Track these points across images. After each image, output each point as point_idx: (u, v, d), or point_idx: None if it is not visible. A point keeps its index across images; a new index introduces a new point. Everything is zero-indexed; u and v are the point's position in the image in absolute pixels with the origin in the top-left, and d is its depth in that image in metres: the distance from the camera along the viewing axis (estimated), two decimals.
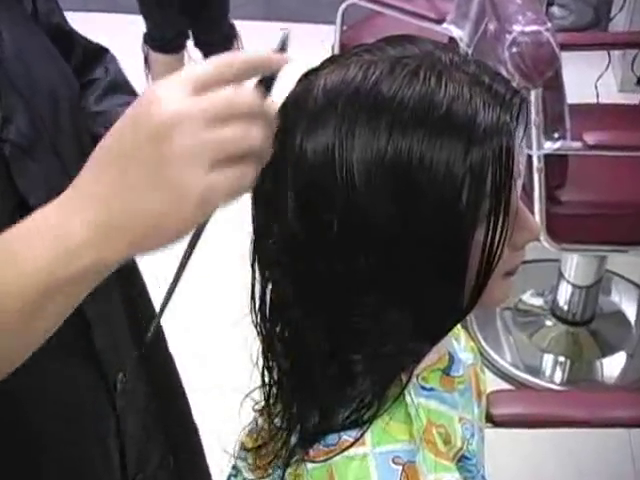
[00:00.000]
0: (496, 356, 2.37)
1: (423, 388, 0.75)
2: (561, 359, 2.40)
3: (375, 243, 0.64)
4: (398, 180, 0.62)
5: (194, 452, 1.14)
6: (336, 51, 2.73)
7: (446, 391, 0.77)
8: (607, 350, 2.40)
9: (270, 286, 0.71)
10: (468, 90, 0.62)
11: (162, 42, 2.98)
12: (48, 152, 0.76)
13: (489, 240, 0.64)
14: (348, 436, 0.70)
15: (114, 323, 0.87)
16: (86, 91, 0.93)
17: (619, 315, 2.50)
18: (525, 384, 2.30)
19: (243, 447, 0.79)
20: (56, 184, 0.68)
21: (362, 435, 0.70)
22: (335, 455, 0.69)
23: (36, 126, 0.75)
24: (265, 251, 0.70)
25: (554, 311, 2.44)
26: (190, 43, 3.07)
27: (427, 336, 0.70)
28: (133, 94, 0.96)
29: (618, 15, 3.47)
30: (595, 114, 2.28)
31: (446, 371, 0.78)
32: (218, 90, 0.54)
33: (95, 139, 0.83)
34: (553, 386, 2.32)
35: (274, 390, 0.74)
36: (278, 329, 0.71)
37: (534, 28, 1.71)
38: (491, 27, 1.96)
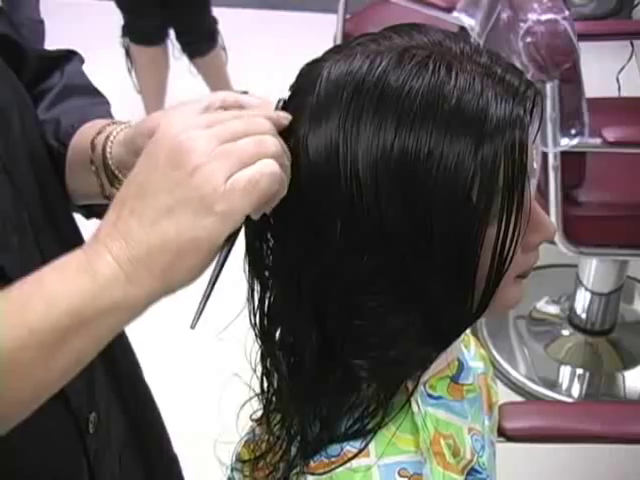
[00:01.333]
0: (509, 368, 2.37)
1: (430, 396, 0.76)
2: (579, 371, 2.41)
3: (381, 242, 0.65)
4: (405, 176, 0.63)
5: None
6: (338, 41, 2.74)
7: (454, 400, 0.78)
8: (629, 362, 2.40)
9: (269, 291, 0.72)
10: (480, 82, 0.63)
11: (141, 34, 3.01)
12: (2, 179, 0.75)
13: (501, 239, 0.65)
14: (351, 447, 0.71)
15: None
16: (40, 102, 0.92)
17: None
18: (540, 398, 2.30)
19: (239, 458, 0.80)
20: (7, 208, 0.73)
21: (366, 445, 0.71)
22: (337, 467, 0.70)
23: None
24: (262, 254, 0.71)
25: (571, 320, 2.45)
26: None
27: (435, 341, 0.71)
28: (92, 94, 0.95)
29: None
30: (616, 109, 2.29)
31: (454, 379, 0.79)
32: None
33: (50, 150, 0.86)
34: (570, 400, 2.32)
35: (273, 398, 0.75)
36: (277, 334, 0.73)
37: (550, 16, 1.72)
38: (504, 16, 1.97)
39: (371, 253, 0.65)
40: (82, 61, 1.00)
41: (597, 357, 2.44)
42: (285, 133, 0.66)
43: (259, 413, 0.78)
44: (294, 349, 0.71)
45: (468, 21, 2.39)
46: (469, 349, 0.87)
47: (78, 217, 0.93)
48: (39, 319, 0.59)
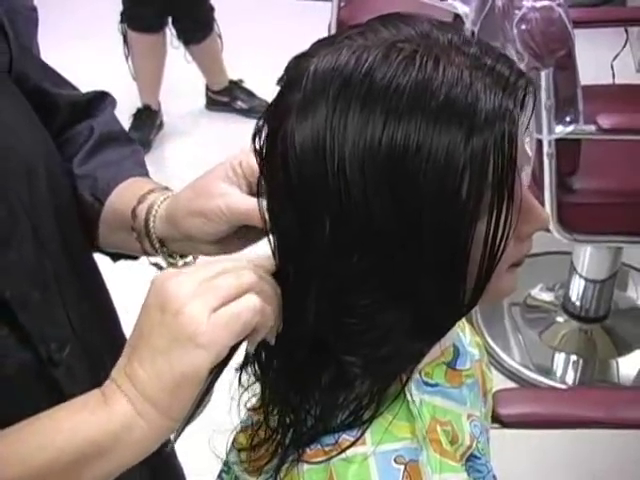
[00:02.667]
0: (504, 355, 2.38)
1: (427, 384, 0.76)
2: (573, 358, 2.42)
3: (371, 239, 0.64)
4: (394, 171, 0.62)
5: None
6: (333, 29, 2.74)
7: (452, 386, 0.78)
8: (623, 349, 2.41)
9: None
10: (468, 74, 0.62)
11: (140, 22, 3.00)
12: (27, 234, 0.80)
13: (492, 231, 0.65)
14: (347, 435, 0.71)
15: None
16: (68, 148, 0.95)
17: (636, 311, 2.52)
18: (535, 385, 2.32)
19: (237, 444, 0.80)
20: (36, 264, 0.79)
21: (361, 435, 0.71)
22: (334, 455, 0.70)
23: (13, 211, 0.78)
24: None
25: (565, 307, 2.45)
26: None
27: (427, 336, 0.71)
28: (126, 144, 0.99)
29: None
30: (611, 96, 2.29)
31: (451, 364, 0.79)
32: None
33: (81, 201, 0.91)
34: (565, 387, 2.33)
35: (267, 391, 0.75)
36: None
37: (545, 3, 1.72)
38: (499, 3, 1.97)
39: (361, 251, 0.65)
40: (114, 103, 1.02)
41: (591, 344, 2.45)
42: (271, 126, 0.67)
43: (253, 401, 0.78)
44: (286, 345, 0.71)
45: (463, 8, 2.38)
46: (464, 334, 0.87)
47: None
48: (64, 444, 0.66)
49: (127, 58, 3.09)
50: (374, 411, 0.71)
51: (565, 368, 2.43)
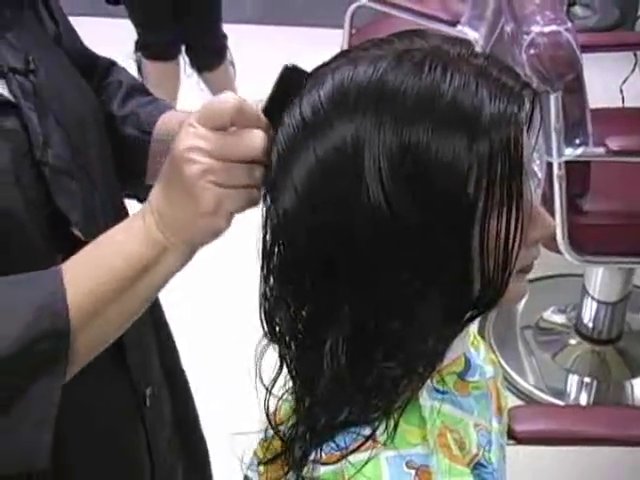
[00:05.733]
0: (518, 377, 2.39)
1: (437, 391, 0.78)
2: (587, 380, 2.43)
3: (387, 238, 0.67)
4: (407, 170, 0.66)
5: (203, 463, 1.23)
6: None
7: (461, 396, 0.80)
8: (636, 370, 2.42)
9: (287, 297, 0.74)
10: (474, 81, 0.66)
11: (155, 49, 3.03)
12: (82, 171, 0.89)
13: (503, 233, 0.68)
14: (360, 439, 0.73)
15: (145, 345, 1.02)
16: (102, 96, 1.05)
17: None
18: (547, 404, 2.31)
19: (256, 457, 0.82)
20: (90, 202, 0.90)
21: (373, 433, 0.73)
22: (347, 455, 0.72)
23: (70, 147, 0.89)
24: (281, 264, 0.73)
25: (578, 329, 2.46)
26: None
27: (454, 329, 0.74)
28: (147, 93, 1.09)
29: None
30: (619, 119, 2.31)
31: (461, 375, 0.82)
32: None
33: (126, 139, 1.03)
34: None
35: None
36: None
37: (553, 28, 1.74)
38: (508, 28, 2.00)
39: (379, 253, 0.68)
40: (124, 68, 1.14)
41: (604, 366, 2.45)
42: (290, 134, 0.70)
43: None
44: (329, 358, 0.72)
45: (472, 34, 2.42)
46: (479, 352, 0.89)
47: None
48: (119, 267, 0.76)
49: None
50: (399, 414, 0.73)
51: (579, 390, 2.43)
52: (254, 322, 0.76)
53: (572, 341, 2.48)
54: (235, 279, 2.23)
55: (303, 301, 0.73)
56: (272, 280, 0.74)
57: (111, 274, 0.76)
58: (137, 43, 3.06)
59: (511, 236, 0.69)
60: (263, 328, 0.76)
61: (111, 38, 3.26)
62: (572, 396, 2.40)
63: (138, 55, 3.07)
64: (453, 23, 2.46)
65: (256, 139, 0.72)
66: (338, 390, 0.72)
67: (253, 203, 0.75)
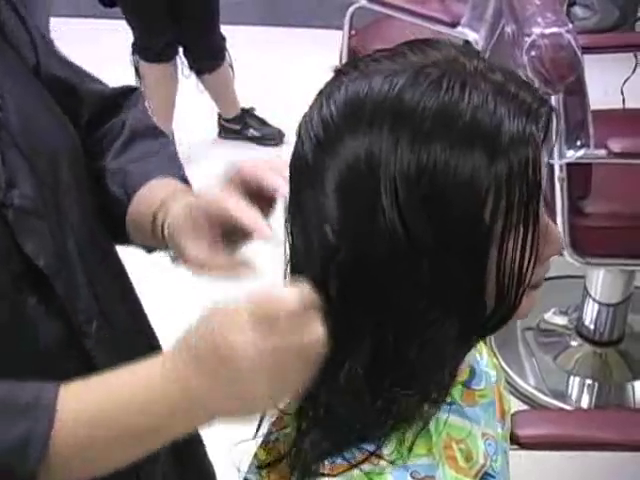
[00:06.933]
0: (519, 379, 2.38)
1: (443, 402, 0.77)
2: (588, 382, 2.42)
3: (403, 260, 0.66)
4: (423, 190, 0.64)
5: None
6: (344, 57, 2.77)
7: (467, 405, 0.80)
8: (638, 372, 2.41)
9: None
10: (493, 99, 0.65)
11: (152, 51, 3.03)
12: (52, 211, 0.84)
13: (519, 253, 0.68)
14: (366, 449, 0.73)
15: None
16: (103, 143, 0.99)
17: None
18: (550, 409, 2.31)
19: (257, 460, 0.81)
20: (62, 242, 0.83)
21: (378, 448, 0.73)
22: (352, 468, 0.72)
23: (40, 186, 0.83)
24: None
25: (579, 330, 2.46)
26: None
27: (467, 348, 0.75)
28: (156, 136, 1.02)
29: None
30: (620, 120, 2.30)
31: (467, 384, 0.81)
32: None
33: (110, 194, 0.96)
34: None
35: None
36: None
37: (554, 30, 1.74)
38: (508, 30, 2.00)
39: (401, 272, 0.67)
40: (143, 97, 1.07)
41: (606, 367, 2.44)
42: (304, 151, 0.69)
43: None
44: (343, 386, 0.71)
45: (472, 36, 2.42)
46: (482, 356, 0.88)
47: None
48: (129, 421, 0.71)
49: (140, 88, 3.12)
50: (422, 427, 0.73)
51: (580, 392, 2.43)
52: None
53: (573, 343, 2.47)
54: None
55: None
56: None
57: (116, 425, 0.72)
58: (134, 45, 3.06)
59: (526, 255, 0.68)
60: None
61: (111, 40, 3.28)
62: (574, 398, 2.40)
63: (135, 57, 3.07)
64: (453, 24, 2.45)
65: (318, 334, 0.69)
66: (352, 411, 0.72)
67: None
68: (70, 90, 0.98)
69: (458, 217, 0.65)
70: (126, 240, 0.98)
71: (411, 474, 0.73)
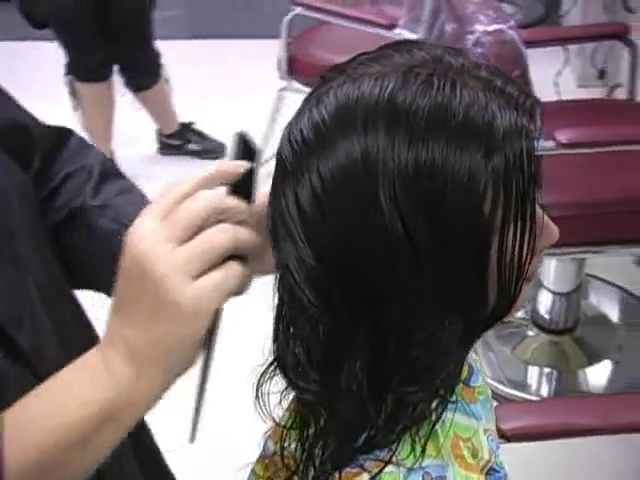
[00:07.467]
0: None
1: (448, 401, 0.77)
2: (547, 371, 2.46)
3: (404, 261, 0.66)
4: (422, 191, 0.64)
5: None
6: (283, 64, 2.76)
7: (469, 402, 0.80)
8: (593, 358, 2.46)
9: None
10: (483, 95, 0.65)
11: (86, 71, 2.99)
12: (6, 255, 0.79)
13: (517, 246, 0.68)
14: (375, 456, 0.72)
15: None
16: (71, 183, 0.93)
17: (601, 319, 2.57)
18: (510, 399, 2.34)
19: (255, 476, 0.80)
20: (19, 288, 0.79)
21: (393, 455, 0.72)
22: (363, 474, 0.71)
23: None
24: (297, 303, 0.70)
25: (535, 320, 2.49)
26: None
27: (471, 344, 0.74)
28: (122, 176, 0.98)
29: (572, 9, 3.58)
30: (560, 112, 2.34)
31: (466, 381, 0.81)
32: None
33: (99, 230, 0.91)
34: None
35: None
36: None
37: (497, 27, 1.77)
38: (448, 28, 2.02)
39: (402, 274, 0.66)
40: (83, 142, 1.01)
41: (563, 355, 2.48)
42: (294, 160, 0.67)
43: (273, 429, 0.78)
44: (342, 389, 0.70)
45: (411, 36, 2.44)
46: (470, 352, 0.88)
47: None
48: (74, 418, 0.66)
49: (75, 110, 3.07)
50: (432, 427, 0.72)
51: (539, 381, 2.46)
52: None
53: (530, 333, 2.51)
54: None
55: (319, 332, 0.69)
56: (287, 313, 0.72)
57: (64, 428, 0.66)
58: (67, 66, 3.01)
59: (525, 247, 0.68)
60: (280, 368, 0.73)
61: (50, 62, 3.21)
62: (533, 387, 2.43)
63: (69, 78, 3.03)
64: (390, 27, 2.47)
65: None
66: (358, 416, 0.71)
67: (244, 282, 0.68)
68: (19, 130, 0.92)
69: (458, 214, 0.65)
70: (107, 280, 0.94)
71: (422, 476, 0.72)
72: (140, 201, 0.93)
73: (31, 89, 3.73)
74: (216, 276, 0.65)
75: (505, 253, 0.68)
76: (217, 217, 0.66)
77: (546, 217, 0.73)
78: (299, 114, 0.69)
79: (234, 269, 0.66)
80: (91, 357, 0.68)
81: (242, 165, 0.69)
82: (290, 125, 0.69)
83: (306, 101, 0.70)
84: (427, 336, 0.68)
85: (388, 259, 0.66)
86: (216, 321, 0.67)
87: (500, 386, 2.37)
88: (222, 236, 0.65)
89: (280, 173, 0.69)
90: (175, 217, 0.65)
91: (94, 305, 1.00)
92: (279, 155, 0.69)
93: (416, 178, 0.64)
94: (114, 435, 0.68)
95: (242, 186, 0.69)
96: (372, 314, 0.68)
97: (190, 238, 0.65)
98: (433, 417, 0.73)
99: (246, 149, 0.70)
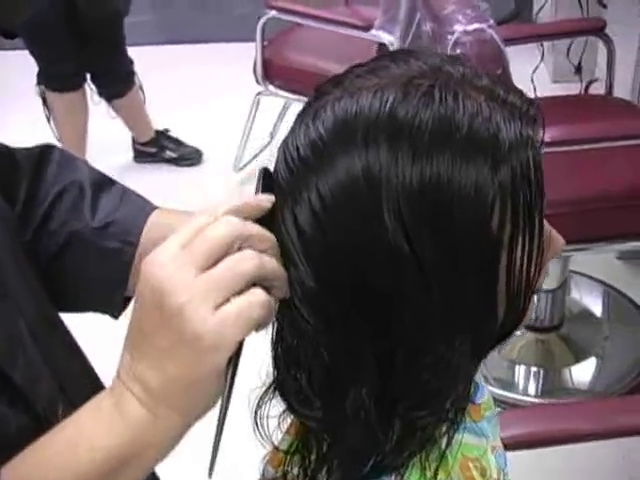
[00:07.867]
0: None
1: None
2: (534, 369, 2.45)
3: (410, 281, 0.63)
4: (428, 206, 0.61)
5: None
6: (259, 68, 2.73)
7: (475, 421, 0.77)
8: (580, 355, 2.44)
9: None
10: (486, 106, 0.63)
11: (58, 81, 2.94)
12: None
13: (526, 258, 0.65)
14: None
15: None
16: (61, 204, 0.90)
17: (586, 314, 2.57)
18: (498, 399, 2.33)
19: None
20: (12, 327, 0.76)
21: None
22: None
23: None
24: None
25: None
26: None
27: (479, 363, 0.72)
28: (111, 182, 0.94)
29: (544, 6, 3.59)
30: (542, 109, 2.33)
31: (472, 399, 0.78)
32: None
33: (102, 250, 0.88)
34: (528, 399, 2.35)
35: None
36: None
37: (476, 26, 1.75)
38: (426, 29, 2.00)
39: (408, 294, 0.64)
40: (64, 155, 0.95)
41: (549, 354, 2.47)
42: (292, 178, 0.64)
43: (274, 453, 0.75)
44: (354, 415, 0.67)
45: (387, 38, 2.42)
46: None
47: None
48: (85, 466, 0.63)
49: (49, 120, 3.02)
50: (444, 450, 0.70)
51: (526, 380, 2.45)
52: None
53: (516, 332, 2.48)
54: None
55: (322, 357, 0.67)
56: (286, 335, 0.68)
57: (78, 477, 0.63)
58: (39, 76, 2.97)
59: (533, 260, 0.66)
60: (281, 394, 0.70)
61: (13, 72, 3.17)
62: (520, 387, 2.41)
63: (41, 88, 2.98)
64: (366, 28, 2.45)
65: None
66: (364, 442, 0.68)
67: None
68: (6, 156, 0.89)
69: (466, 230, 0.63)
70: (117, 301, 0.90)
71: None
72: (141, 207, 0.90)
73: (2, 100, 3.70)
74: (240, 302, 0.60)
75: (514, 267, 0.66)
76: (241, 245, 0.61)
77: (552, 228, 0.71)
78: (293, 131, 0.66)
79: (259, 296, 0.61)
80: (104, 399, 0.64)
81: (267, 199, 0.65)
82: (285, 143, 0.66)
83: (301, 117, 0.66)
84: (437, 358, 0.66)
85: (393, 278, 0.63)
86: (238, 353, 0.62)
87: (487, 386, 2.34)
88: (248, 263, 0.60)
89: (277, 194, 0.66)
90: (197, 243, 0.60)
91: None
92: (275, 175, 0.66)
93: (421, 194, 0.61)
94: (134, 478, 0.65)
95: (265, 217, 0.65)
96: (378, 336, 0.65)
97: (212, 265, 0.60)
98: (443, 441, 0.70)
99: (270, 183, 0.66)
